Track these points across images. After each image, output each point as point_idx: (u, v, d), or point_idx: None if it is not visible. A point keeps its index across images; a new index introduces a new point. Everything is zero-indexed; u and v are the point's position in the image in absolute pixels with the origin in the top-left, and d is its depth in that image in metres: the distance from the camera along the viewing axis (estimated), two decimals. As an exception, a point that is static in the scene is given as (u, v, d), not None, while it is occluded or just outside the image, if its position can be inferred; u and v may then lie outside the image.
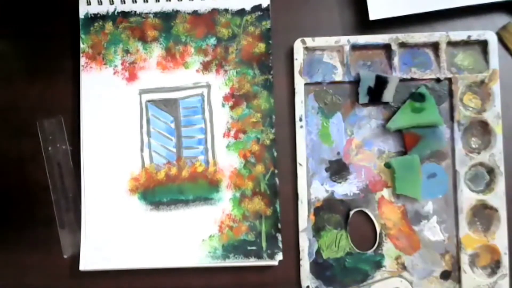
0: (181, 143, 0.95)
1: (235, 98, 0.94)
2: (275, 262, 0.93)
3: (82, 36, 0.95)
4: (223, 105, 0.94)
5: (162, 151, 0.95)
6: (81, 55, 0.95)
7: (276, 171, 0.93)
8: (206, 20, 0.95)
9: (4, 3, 0.97)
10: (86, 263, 0.94)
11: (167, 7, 0.95)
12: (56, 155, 0.95)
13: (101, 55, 0.95)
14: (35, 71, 0.97)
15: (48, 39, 0.97)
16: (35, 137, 0.95)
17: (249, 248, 0.93)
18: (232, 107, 0.94)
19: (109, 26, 0.95)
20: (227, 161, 0.94)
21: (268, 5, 0.94)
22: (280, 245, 0.93)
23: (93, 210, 0.94)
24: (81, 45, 0.95)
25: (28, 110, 0.96)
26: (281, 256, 0.93)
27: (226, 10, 0.95)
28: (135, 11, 0.95)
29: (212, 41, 0.95)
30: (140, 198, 0.94)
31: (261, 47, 0.94)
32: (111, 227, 0.94)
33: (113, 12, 0.95)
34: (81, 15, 0.95)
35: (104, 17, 0.95)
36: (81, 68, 0.95)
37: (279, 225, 0.93)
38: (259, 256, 0.93)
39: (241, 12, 0.95)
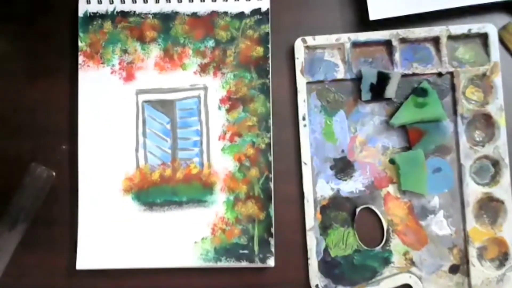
0: (176, 145, 0.94)
1: (231, 101, 0.94)
2: (266, 266, 0.92)
3: (81, 34, 0.95)
4: (219, 108, 0.94)
5: (157, 152, 0.94)
6: (79, 53, 0.95)
7: (270, 176, 0.93)
8: (205, 22, 0.95)
9: (1, 1, 0.98)
10: (82, 263, 0.93)
11: (167, 8, 0.96)
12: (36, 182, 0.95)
13: (99, 54, 0.95)
14: (33, 71, 0.97)
15: (45, 39, 0.97)
16: (34, 137, 0.96)
17: (241, 251, 0.92)
18: (228, 110, 0.94)
19: (108, 25, 0.96)
20: (222, 164, 0.94)
21: (268, 9, 0.95)
22: (273, 249, 0.92)
23: (88, 209, 0.94)
24: (79, 44, 0.95)
25: (27, 109, 0.97)
26: (273, 261, 0.92)
27: (226, 13, 0.95)
28: (135, 11, 0.96)
29: (211, 43, 0.95)
30: (134, 198, 0.94)
31: (259, 51, 0.95)
32: (105, 226, 0.93)
33: (113, 12, 0.96)
34: (80, 13, 0.96)
35: (103, 16, 0.96)
36: (78, 66, 0.95)
37: (272, 230, 0.92)
38: (251, 260, 0.92)
39: (240, 15, 0.95)
